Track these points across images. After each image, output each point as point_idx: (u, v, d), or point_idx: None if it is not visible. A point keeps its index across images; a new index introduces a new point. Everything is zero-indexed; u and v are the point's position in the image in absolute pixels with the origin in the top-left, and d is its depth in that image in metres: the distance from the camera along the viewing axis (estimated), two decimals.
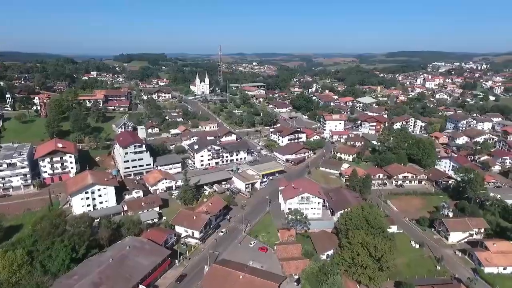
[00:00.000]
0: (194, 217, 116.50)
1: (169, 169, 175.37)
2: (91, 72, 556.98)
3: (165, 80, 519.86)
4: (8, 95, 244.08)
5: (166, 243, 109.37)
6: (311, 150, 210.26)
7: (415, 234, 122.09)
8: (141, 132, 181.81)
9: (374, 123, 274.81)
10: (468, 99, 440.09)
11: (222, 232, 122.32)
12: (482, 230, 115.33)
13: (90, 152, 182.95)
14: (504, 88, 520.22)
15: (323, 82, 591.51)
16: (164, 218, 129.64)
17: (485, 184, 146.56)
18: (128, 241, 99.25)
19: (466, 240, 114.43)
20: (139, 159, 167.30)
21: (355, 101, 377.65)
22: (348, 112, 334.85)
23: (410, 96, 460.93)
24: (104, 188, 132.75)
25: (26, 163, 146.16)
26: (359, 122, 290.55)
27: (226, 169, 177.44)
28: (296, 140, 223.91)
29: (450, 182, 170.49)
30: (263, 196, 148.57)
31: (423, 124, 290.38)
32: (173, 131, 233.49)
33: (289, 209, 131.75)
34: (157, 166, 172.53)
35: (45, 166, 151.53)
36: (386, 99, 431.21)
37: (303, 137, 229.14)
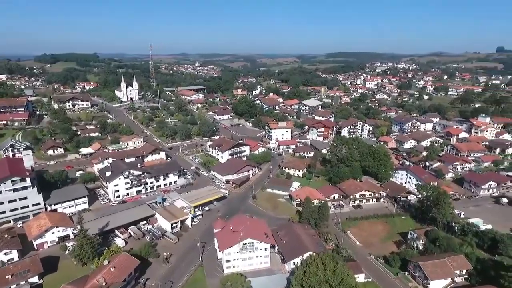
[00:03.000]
0: None
1: (70, 206, 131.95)
2: None
3: (92, 83, 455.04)
4: None
5: None
6: (256, 167, 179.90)
7: (387, 282, 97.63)
8: (27, 158, 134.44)
9: (322, 129, 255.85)
10: (406, 99, 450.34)
11: None
12: (464, 271, 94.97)
13: None
14: (434, 87, 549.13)
15: (267, 83, 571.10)
16: None
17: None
18: None
19: (449, 287, 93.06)
20: (20, 199, 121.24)
21: (300, 104, 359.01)
22: (294, 117, 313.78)
23: (353, 96, 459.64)
24: None
25: None
26: (306, 127, 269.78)
27: (147, 202, 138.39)
28: (238, 155, 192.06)
29: (409, 198, 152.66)
30: (196, 238, 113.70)
31: (370, 128, 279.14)
32: (85, 150, 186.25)
33: (227, 261, 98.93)
34: (50, 205, 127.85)
35: None
36: (330, 100, 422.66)
37: (246, 150, 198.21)
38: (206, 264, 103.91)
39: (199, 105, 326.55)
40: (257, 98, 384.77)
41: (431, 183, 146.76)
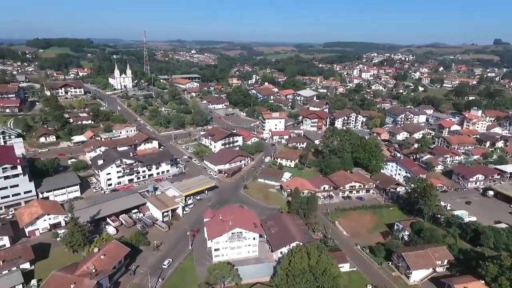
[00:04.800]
0: (72, 286, 79.10)
1: (62, 194, 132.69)
2: None
3: (86, 69, 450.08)
4: None
5: None
6: (248, 157, 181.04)
7: (371, 272, 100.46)
8: (18, 146, 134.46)
9: (316, 120, 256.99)
10: (401, 90, 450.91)
11: None
12: (445, 261, 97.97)
13: None
14: (430, 79, 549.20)
15: (264, 72, 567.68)
16: (33, 282, 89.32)
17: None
18: None
19: (430, 277, 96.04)
20: (11, 186, 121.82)
21: (295, 94, 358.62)
22: (289, 107, 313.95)
23: (349, 87, 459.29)
24: None
25: None
26: (300, 118, 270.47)
27: (139, 191, 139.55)
28: (231, 145, 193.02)
29: (398, 189, 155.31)
30: (187, 227, 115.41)
31: (364, 119, 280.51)
32: (77, 138, 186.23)
33: (216, 249, 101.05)
34: (42, 193, 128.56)
35: None
36: (325, 90, 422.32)
37: (239, 140, 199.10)
38: (195, 253, 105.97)
39: (194, 94, 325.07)
40: (252, 88, 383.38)
41: (420, 176, 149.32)
